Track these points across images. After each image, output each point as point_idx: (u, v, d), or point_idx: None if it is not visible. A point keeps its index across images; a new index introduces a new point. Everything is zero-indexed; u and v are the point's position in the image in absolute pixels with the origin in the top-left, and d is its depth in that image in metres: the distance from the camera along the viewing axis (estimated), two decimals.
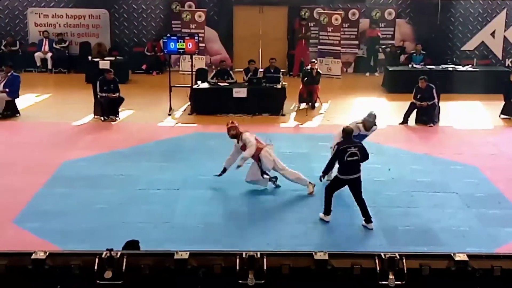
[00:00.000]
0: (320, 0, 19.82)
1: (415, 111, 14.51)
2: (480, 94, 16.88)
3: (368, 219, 9.06)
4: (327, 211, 9.23)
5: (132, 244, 6.23)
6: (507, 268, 4.18)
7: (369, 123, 10.40)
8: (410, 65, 18.44)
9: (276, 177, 10.41)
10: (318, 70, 16.24)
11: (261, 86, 15.37)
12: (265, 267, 4.11)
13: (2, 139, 13.20)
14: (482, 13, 20.05)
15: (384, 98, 17.17)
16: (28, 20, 20.09)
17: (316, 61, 16.92)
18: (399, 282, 4.13)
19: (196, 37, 15.45)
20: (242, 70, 16.93)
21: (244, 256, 4.13)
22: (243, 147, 10.12)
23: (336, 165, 9.25)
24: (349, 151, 8.91)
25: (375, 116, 10.50)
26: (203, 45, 18.85)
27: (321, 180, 9.40)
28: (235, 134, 10.17)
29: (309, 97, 15.82)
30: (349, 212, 9.62)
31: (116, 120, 14.58)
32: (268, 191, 10.28)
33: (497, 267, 4.17)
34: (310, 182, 10.17)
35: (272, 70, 16.39)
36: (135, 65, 19.48)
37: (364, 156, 9.06)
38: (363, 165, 10.28)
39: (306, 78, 15.82)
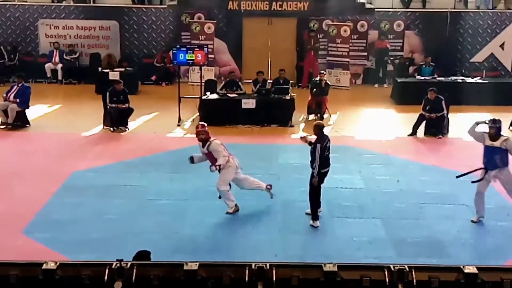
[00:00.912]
0: (329, 12, 19.82)
1: (424, 123, 14.46)
2: (489, 106, 16.69)
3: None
4: (316, 217, 9.49)
5: (143, 255, 6.24)
6: None
7: (491, 129, 9.46)
8: (416, 76, 18.30)
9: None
10: (327, 81, 16.23)
11: (270, 97, 15.36)
12: (274, 279, 4.10)
13: (12, 149, 13.27)
14: (491, 25, 19.96)
15: (393, 110, 17.12)
16: (39, 32, 20.20)
17: (325, 72, 16.92)
18: None
19: (205, 49, 15.49)
20: (251, 81, 16.96)
21: (253, 267, 4.12)
22: (209, 155, 9.81)
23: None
24: (328, 145, 9.40)
25: (493, 121, 9.54)
26: (212, 56, 18.87)
27: (316, 181, 9.41)
28: (204, 139, 9.80)
29: (317, 108, 15.78)
30: (357, 223, 9.63)
31: (125, 130, 14.62)
32: (276, 203, 10.24)
33: (507, 279, 4.14)
34: (267, 186, 10.32)
35: (281, 81, 16.37)
36: (145, 76, 19.51)
37: None
38: (372, 177, 10.24)
39: (315, 89, 15.80)
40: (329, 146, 9.41)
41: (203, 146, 9.84)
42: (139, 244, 7.51)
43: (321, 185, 9.53)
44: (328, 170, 9.52)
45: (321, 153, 9.22)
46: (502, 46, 20.08)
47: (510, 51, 20.08)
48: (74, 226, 9.28)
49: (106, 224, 9.39)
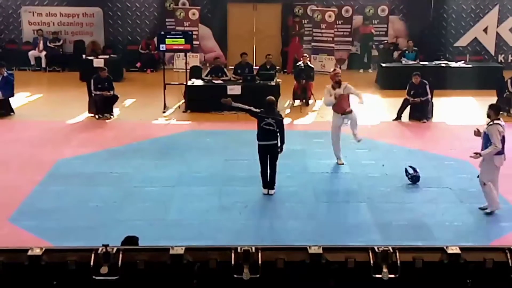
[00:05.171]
0: None
1: (408, 107, 14.51)
2: (472, 90, 16.85)
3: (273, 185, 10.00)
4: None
5: (131, 240, 6.21)
6: (499, 261, 4.22)
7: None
8: (403, 61, 18.41)
9: None
10: (311, 64, 16.19)
11: (256, 83, 15.30)
12: (260, 262, 4.12)
13: None
14: (474, 9, 20.05)
15: (377, 95, 17.15)
16: (22, 19, 20.00)
17: (307, 55, 16.87)
18: (393, 275, 4.16)
19: (190, 35, 15.42)
20: (232, 67, 16.86)
21: (239, 250, 4.14)
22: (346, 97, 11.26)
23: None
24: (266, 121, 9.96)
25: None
26: (197, 42, 18.85)
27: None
28: (339, 81, 11.26)
29: (303, 94, 15.78)
30: (343, 207, 9.68)
31: (110, 118, 14.55)
32: (262, 188, 10.19)
33: (489, 259, 4.20)
34: None
35: (268, 67, 16.31)
36: (129, 63, 19.43)
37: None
38: (358, 161, 10.13)
39: (301, 74, 15.78)
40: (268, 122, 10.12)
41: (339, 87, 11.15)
42: (125, 231, 7.37)
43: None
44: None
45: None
46: (485, 30, 20.20)
47: (494, 35, 20.19)
48: (60, 214, 9.23)
49: (92, 212, 9.35)
